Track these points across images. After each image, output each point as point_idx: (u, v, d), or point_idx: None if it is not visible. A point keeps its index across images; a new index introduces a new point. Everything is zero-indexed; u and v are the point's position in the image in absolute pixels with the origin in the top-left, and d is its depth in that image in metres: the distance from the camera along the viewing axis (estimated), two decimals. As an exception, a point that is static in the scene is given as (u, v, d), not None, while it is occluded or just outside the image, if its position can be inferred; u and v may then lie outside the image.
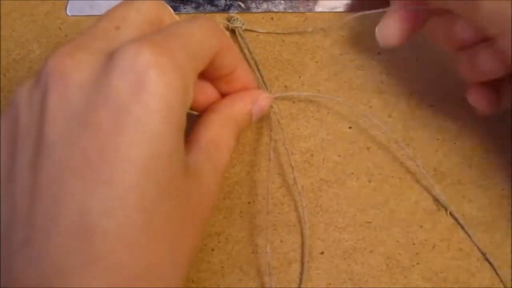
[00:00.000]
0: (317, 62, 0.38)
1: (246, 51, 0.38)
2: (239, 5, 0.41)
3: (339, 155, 0.34)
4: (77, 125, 0.22)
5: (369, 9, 0.35)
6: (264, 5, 0.41)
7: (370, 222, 0.32)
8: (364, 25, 0.40)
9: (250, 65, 0.37)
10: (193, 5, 0.41)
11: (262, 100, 0.32)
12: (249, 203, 0.32)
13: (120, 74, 0.22)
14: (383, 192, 0.33)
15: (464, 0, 0.27)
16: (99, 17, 0.26)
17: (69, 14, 0.41)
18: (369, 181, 0.33)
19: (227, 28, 0.39)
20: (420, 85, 0.37)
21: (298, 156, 0.34)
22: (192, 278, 0.30)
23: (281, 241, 0.31)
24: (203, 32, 0.26)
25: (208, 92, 0.31)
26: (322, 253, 0.31)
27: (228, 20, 0.39)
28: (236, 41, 0.39)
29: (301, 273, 0.30)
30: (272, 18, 0.40)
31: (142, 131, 0.22)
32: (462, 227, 0.31)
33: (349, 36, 0.40)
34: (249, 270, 0.30)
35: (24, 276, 0.21)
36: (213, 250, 0.31)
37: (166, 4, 0.28)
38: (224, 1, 0.41)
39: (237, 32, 0.39)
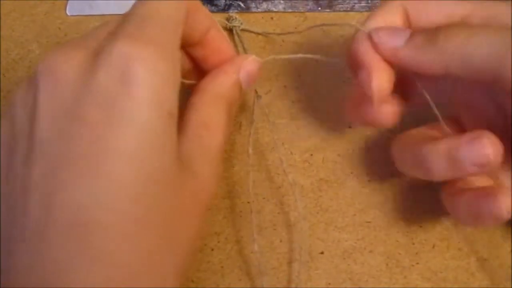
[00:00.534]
0: (316, 61, 0.38)
1: (241, 49, 0.38)
2: (239, 5, 0.41)
3: (339, 155, 0.34)
4: (67, 121, 0.22)
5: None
6: (264, 5, 0.41)
7: (369, 222, 0.32)
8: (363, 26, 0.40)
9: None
10: None
11: (247, 64, 0.31)
12: (248, 202, 0.32)
13: (106, 68, 0.22)
14: (382, 192, 0.33)
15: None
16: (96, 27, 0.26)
17: (68, 14, 0.41)
18: (369, 181, 0.33)
19: (225, 28, 0.39)
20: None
21: (298, 156, 0.34)
22: (192, 278, 0.30)
23: (280, 241, 0.31)
24: (169, 5, 0.25)
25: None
26: (322, 253, 0.31)
27: (227, 19, 0.39)
28: (233, 40, 0.39)
29: (300, 273, 0.30)
30: (271, 18, 0.40)
31: (131, 122, 0.22)
32: (461, 227, 0.31)
33: (348, 36, 0.40)
34: (248, 270, 0.30)
35: (22, 272, 0.21)
36: (212, 250, 0.31)
37: None
38: (224, 1, 0.41)
39: (234, 31, 0.39)
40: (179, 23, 0.26)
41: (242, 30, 0.39)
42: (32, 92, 0.23)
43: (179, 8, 0.26)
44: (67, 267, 0.21)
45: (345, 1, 0.41)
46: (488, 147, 0.25)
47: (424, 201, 0.29)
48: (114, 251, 0.21)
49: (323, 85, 0.37)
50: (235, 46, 0.38)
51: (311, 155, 0.34)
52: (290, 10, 0.41)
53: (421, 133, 0.29)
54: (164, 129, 0.23)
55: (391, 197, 0.33)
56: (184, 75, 0.28)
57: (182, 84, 0.26)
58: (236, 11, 0.40)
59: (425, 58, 0.26)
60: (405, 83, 0.30)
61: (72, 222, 0.21)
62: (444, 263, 0.31)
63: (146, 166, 0.22)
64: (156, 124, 0.22)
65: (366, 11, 0.41)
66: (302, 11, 0.41)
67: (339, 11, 0.41)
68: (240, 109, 0.36)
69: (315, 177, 0.34)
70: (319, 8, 0.41)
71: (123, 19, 0.25)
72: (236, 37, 0.39)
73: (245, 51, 0.37)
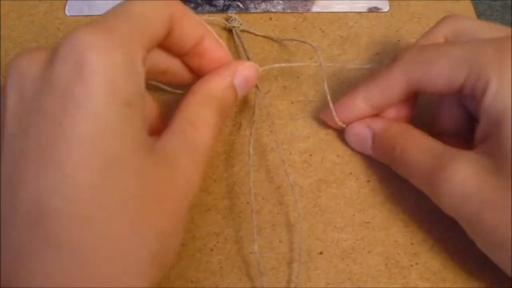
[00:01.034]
0: (315, 62, 0.38)
1: (241, 49, 0.38)
2: (238, 5, 0.41)
3: (338, 155, 0.34)
4: (30, 115, 0.22)
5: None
6: (263, 5, 0.41)
7: (368, 222, 0.32)
8: (362, 26, 0.40)
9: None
10: (192, 5, 0.41)
11: (244, 69, 0.31)
12: (248, 203, 0.32)
13: (62, 60, 0.22)
14: (381, 192, 0.33)
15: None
16: None
17: (67, 14, 0.41)
18: (368, 181, 0.33)
19: (225, 28, 0.39)
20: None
21: (297, 156, 0.34)
22: (191, 278, 0.30)
23: (280, 241, 0.31)
24: (147, 6, 0.25)
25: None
26: (321, 253, 0.31)
27: (226, 20, 0.39)
28: (233, 41, 0.39)
29: (299, 273, 0.30)
30: (270, 18, 0.40)
31: (85, 109, 0.22)
32: (461, 227, 0.31)
33: (347, 36, 0.40)
34: (248, 270, 0.30)
35: None
36: (212, 250, 0.31)
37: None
38: (223, 1, 0.41)
39: (234, 32, 0.39)
40: (154, 23, 0.26)
41: (242, 31, 0.39)
42: (3, 93, 0.24)
43: (157, 9, 0.26)
44: (28, 256, 0.21)
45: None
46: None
47: (423, 202, 0.29)
48: (74, 238, 0.21)
49: (322, 86, 0.37)
50: (235, 46, 0.38)
51: (310, 155, 0.34)
52: (289, 11, 0.41)
53: None
54: (120, 117, 0.23)
55: (390, 197, 0.33)
56: (151, 123, 0.28)
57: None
58: (235, 11, 0.41)
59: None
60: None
61: (33, 213, 0.21)
62: (443, 263, 0.31)
63: (103, 151, 0.22)
64: (111, 111, 0.22)
65: (365, 11, 0.41)
66: (301, 11, 0.41)
67: (338, 11, 0.41)
68: (240, 109, 0.36)
69: (314, 177, 0.34)
70: (318, 9, 0.41)
71: None
72: (236, 37, 0.39)
73: (245, 51, 0.37)
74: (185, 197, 0.26)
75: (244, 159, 0.34)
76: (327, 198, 0.33)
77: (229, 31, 0.39)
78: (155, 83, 0.33)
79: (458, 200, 0.26)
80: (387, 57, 0.38)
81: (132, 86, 0.24)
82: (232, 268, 0.30)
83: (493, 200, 0.25)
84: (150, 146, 0.24)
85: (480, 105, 0.27)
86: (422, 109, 0.34)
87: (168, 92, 0.35)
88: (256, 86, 0.35)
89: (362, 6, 0.41)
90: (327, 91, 0.33)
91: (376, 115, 0.33)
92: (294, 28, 0.40)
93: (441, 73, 0.28)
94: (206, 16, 0.40)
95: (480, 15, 0.43)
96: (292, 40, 0.39)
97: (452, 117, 0.32)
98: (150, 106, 0.29)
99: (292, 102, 0.36)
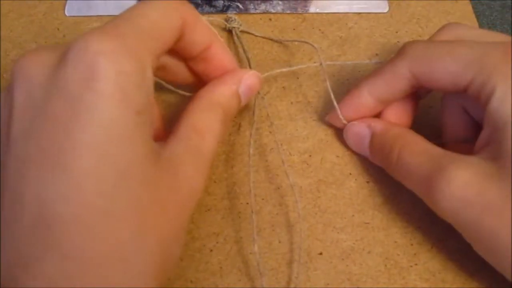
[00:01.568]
0: (315, 63, 0.38)
1: (241, 50, 0.38)
2: (237, 6, 0.41)
3: (338, 156, 0.34)
4: (37, 119, 0.22)
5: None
6: (262, 6, 0.41)
7: (368, 223, 0.32)
8: (362, 26, 0.40)
9: (246, 65, 0.37)
10: (192, 6, 0.41)
11: (248, 78, 0.31)
12: (247, 203, 0.32)
13: (72, 64, 0.22)
14: (381, 192, 0.33)
15: None
16: None
17: (67, 14, 0.41)
18: (368, 182, 0.34)
19: (225, 29, 0.39)
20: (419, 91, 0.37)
21: (296, 157, 0.34)
22: (191, 278, 0.30)
23: (279, 242, 0.31)
24: (159, 11, 0.25)
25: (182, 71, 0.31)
26: (320, 253, 0.31)
27: (226, 20, 0.39)
28: (233, 41, 0.39)
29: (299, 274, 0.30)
30: (270, 19, 0.40)
31: (96, 116, 0.22)
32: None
33: (346, 37, 0.40)
34: (247, 270, 0.30)
35: None
36: (211, 250, 0.31)
37: None
38: (223, 2, 0.41)
39: (234, 33, 0.39)
40: (165, 31, 0.26)
41: (242, 31, 0.39)
42: (9, 95, 0.24)
43: (170, 15, 0.26)
44: (30, 260, 0.21)
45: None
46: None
47: (423, 202, 0.29)
48: (78, 243, 0.21)
49: (322, 86, 0.37)
50: (235, 47, 0.38)
51: (310, 156, 0.34)
52: (288, 11, 0.41)
53: None
54: (130, 125, 0.23)
55: (389, 198, 0.33)
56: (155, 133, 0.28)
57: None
58: (234, 12, 0.41)
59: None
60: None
61: (37, 217, 0.21)
62: (442, 264, 0.31)
63: (112, 159, 0.22)
64: (123, 119, 0.22)
65: (364, 12, 0.41)
66: (300, 12, 0.41)
67: (338, 12, 0.41)
68: (239, 110, 0.36)
69: (313, 178, 0.34)
70: (317, 10, 0.41)
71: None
72: (235, 38, 0.39)
73: (245, 52, 0.37)
74: (188, 204, 0.26)
75: (244, 160, 0.34)
76: (327, 198, 0.33)
77: (229, 31, 0.39)
78: (159, 80, 0.33)
79: (457, 205, 0.26)
80: (386, 57, 0.38)
81: (142, 94, 0.24)
82: (232, 268, 0.30)
83: (495, 205, 0.25)
84: (157, 153, 0.24)
85: (485, 109, 0.27)
86: (424, 119, 0.34)
87: (169, 92, 0.35)
88: (258, 92, 0.35)
89: (361, 7, 0.41)
90: (330, 89, 0.33)
91: (378, 116, 0.33)
92: (294, 29, 0.40)
93: (447, 71, 0.28)
94: (205, 17, 0.40)
95: (480, 15, 0.43)
96: (293, 41, 0.39)
97: (457, 125, 0.32)
98: (155, 110, 0.30)
99: (292, 103, 0.36)
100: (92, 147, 0.22)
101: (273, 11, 0.41)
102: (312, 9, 0.41)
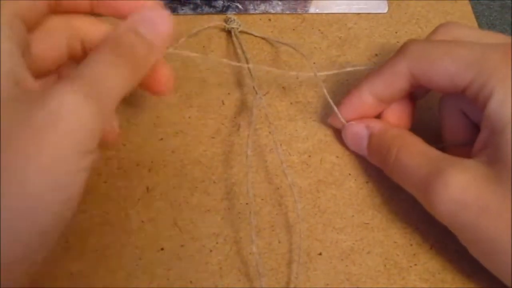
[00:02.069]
0: (314, 63, 0.38)
1: (240, 50, 0.38)
2: (237, 6, 0.41)
3: (337, 156, 0.34)
4: None
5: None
6: (262, 7, 0.41)
7: (367, 223, 0.32)
8: (361, 27, 0.40)
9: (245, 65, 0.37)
10: (191, 6, 0.41)
11: (145, 14, 0.27)
12: (247, 204, 0.32)
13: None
14: (380, 193, 0.33)
15: None
16: None
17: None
18: (367, 182, 0.34)
19: (224, 29, 0.39)
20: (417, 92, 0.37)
21: (296, 157, 0.34)
22: (190, 279, 0.30)
23: (279, 242, 0.31)
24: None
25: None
26: (320, 254, 0.31)
27: (225, 21, 0.39)
28: (232, 41, 0.39)
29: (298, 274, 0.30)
30: (269, 20, 0.40)
31: None
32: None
33: (346, 37, 0.40)
34: (247, 271, 0.30)
35: None
36: (211, 251, 0.31)
37: None
38: (222, 2, 0.41)
39: (233, 33, 0.39)
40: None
41: (240, 32, 0.39)
42: None
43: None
44: None
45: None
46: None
47: (422, 202, 0.30)
48: None
49: (321, 87, 0.37)
50: (234, 47, 0.38)
51: (309, 156, 0.34)
52: (288, 12, 0.41)
53: None
54: None
55: (389, 198, 0.33)
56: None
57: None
58: (234, 12, 0.41)
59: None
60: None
61: None
62: (442, 264, 0.31)
63: None
64: None
65: (363, 13, 0.41)
66: (300, 12, 0.41)
67: (337, 12, 0.41)
68: (238, 110, 0.36)
69: (313, 178, 0.34)
70: (317, 10, 0.41)
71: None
72: (234, 38, 0.39)
73: (244, 52, 0.37)
74: (53, 128, 0.22)
75: (243, 160, 0.34)
76: (326, 199, 0.33)
77: (228, 32, 0.39)
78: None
79: (454, 207, 0.26)
80: (386, 58, 0.38)
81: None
82: (231, 269, 0.30)
83: (492, 208, 0.25)
84: (15, 95, 0.22)
85: (482, 111, 0.27)
86: (425, 122, 0.34)
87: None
88: (254, 88, 0.35)
89: (361, 8, 0.41)
90: (327, 96, 0.33)
91: (377, 117, 0.33)
92: (293, 29, 0.40)
93: (446, 71, 0.28)
94: (205, 17, 0.40)
95: (479, 15, 0.43)
96: (288, 45, 0.38)
97: (455, 128, 0.32)
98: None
99: (291, 103, 0.36)
100: None
101: (272, 11, 0.41)
102: (312, 9, 0.41)
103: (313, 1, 0.41)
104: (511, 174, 0.25)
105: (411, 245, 0.32)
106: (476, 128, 0.31)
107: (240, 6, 0.41)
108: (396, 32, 0.40)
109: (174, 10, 0.40)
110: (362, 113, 0.33)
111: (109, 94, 0.24)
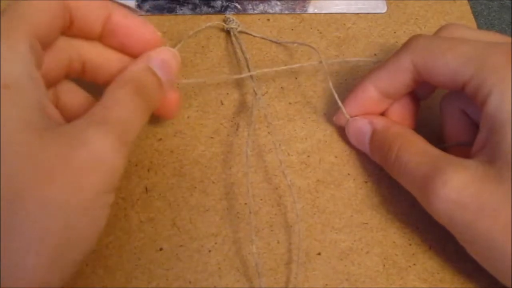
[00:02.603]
0: (315, 61, 0.38)
1: (239, 51, 0.38)
2: (236, 7, 0.41)
3: (336, 156, 0.34)
4: None
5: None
6: (261, 7, 0.41)
7: (366, 223, 0.32)
8: (360, 27, 0.40)
9: (244, 66, 0.37)
10: (190, 6, 0.41)
11: (159, 53, 0.31)
12: (246, 204, 0.32)
13: None
14: (379, 193, 0.33)
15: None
16: None
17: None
18: (366, 182, 0.34)
19: (223, 29, 0.39)
20: (420, 92, 0.37)
21: (295, 157, 0.34)
22: (189, 279, 0.30)
23: (278, 242, 0.31)
24: None
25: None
26: (319, 254, 0.31)
27: (224, 21, 0.39)
28: (231, 42, 0.39)
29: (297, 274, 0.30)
30: (268, 20, 0.40)
31: None
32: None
33: (345, 37, 0.40)
34: (246, 271, 0.30)
35: None
36: (210, 251, 0.31)
37: None
38: (221, 2, 0.41)
39: (232, 33, 0.39)
40: (39, 11, 0.26)
41: (240, 32, 0.39)
42: None
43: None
44: None
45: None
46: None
47: (421, 202, 0.30)
48: None
49: (320, 87, 0.37)
50: (233, 47, 0.38)
51: (308, 156, 0.34)
52: (286, 12, 0.41)
53: None
54: None
55: (388, 198, 0.33)
56: None
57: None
58: (232, 12, 0.41)
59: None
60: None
61: None
62: (441, 264, 0.31)
63: None
64: None
65: (362, 13, 0.41)
66: (298, 12, 0.41)
67: (336, 12, 0.41)
68: (237, 110, 0.36)
69: (312, 178, 0.34)
70: (315, 10, 0.41)
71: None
72: (233, 39, 0.39)
73: (243, 53, 0.37)
74: (93, 170, 0.24)
75: (242, 160, 0.34)
76: (325, 199, 0.33)
77: (227, 32, 0.39)
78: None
79: (452, 206, 0.26)
80: (384, 58, 0.38)
81: (11, 68, 0.24)
82: (230, 269, 0.30)
83: (491, 208, 0.25)
84: (45, 126, 0.24)
85: (482, 109, 0.27)
86: (428, 123, 0.34)
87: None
88: (253, 88, 0.35)
89: (359, 8, 0.41)
90: (331, 86, 0.33)
91: (382, 114, 0.33)
92: (292, 30, 0.40)
93: (447, 66, 0.29)
94: (203, 17, 0.40)
95: (478, 15, 0.43)
96: (293, 42, 0.39)
97: (457, 128, 0.32)
98: (72, 92, 0.30)
99: (290, 103, 0.36)
100: None
101: (271, 11, 0.41)
102: (310, 9, 0.41)
103: (311, 1, 0.41)
104: (510, 173, 0.25)
105: (410, 245, 0.32)
106: (477, 128, 0.31)
107: (238, 6, 0.41)
108: (394, 32, 0.40)
109: (172, 11, 0.40)
110: (366, 108, 0.33)
111: (133, 132, 0.27)
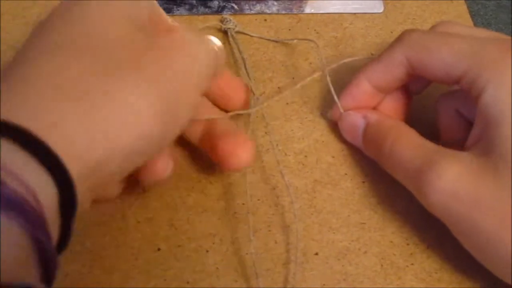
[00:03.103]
0: (310, 63, 0.38)
1: (236, 51, 0.38)
2: (232, 7, 0.41)
3: (333, 156, 0.34)
4: None
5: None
6: (257, 7, 0.41)
7: (364, 223, 0.32)
8: (357, 27, 0.40)
9: (241, 66, 0.37)
10: (187, 6, 0.41)
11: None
12: (243, 204, 0.32)
13: None
14: (377, 193, 0.33)
15: None
16: None
17: (62, 15, 0.40)
18: (363, 182, 0.34)
19: (220, 29, 0.39)
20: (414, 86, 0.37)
21: (292, 157, 0.34)
22: (187, 279, 0.30)
23: (275, 242, 0.31)
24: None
25: None
26: (316, 254, 0.31)
27: (221, 21, 0.39)
28: (228, 42, 0.39)
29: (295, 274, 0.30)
30: (265, 20, 0.40)
31: None
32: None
33: (342, 37, 0.40)
34: (244, 271, 0.30)
35: None
36: (207, 251, 0.31)
37: None
38: (218, 3, 0.41)
39: (229, 33, 0.39)
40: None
41: (237, 32, 0.39)
42: None
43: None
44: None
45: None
46: None
47: (419, 202, 0.29)
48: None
49: (318, 87, 0.37)
50: (230, 48, 0.38)
51: (305, 156, 0.34)
52: (283, 12, 0.41)
53: None
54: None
55: (385, 198, 0.33)
56: None
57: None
58: (229, 13, 0.41)
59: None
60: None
61: None
62: (439, 264, 0.31)
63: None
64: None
65: (359, 13, 0.41)
66: (295, 12, 0.41)
67: (333, 12, 0.41)
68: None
69: (309, 178, 0.34)
70: (312, 10, 0.41)
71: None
72: (231, 39, 0.39)
73: (241, 53, 0.37)
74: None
75: (240, 160, 0.34)
76: (322, 199, 0.33)
77: (224, 32, 0.39)
78: None
79: (447, 199, 0.26)
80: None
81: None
82: (228, 269, 0.30)
83: (485, 200, 0.25)
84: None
85: (476, 103, 0.27)
86: (424, 120, 0.34)
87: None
88: (251, 88, 0.35)
89: (356, 8, 0.41)
90: (330, 85, 0.34)
91: (375, 108, 0.33)
92: (289, 30, 0.40)
93: (442, 60, 0.29)
94: (200, 18, 0.40)
95: (475, 15, 0.43)
96: (293, 39, 0.38)
97: (451, 127, 0.32)
98: None
99: (287, 103, 0.36)
100: None
101: (268, 11, 0.41)
102: (307, 9, 0.41)
103: (308, 1, 0.41)
104: (510, 166, 0.25)
105: (408, 244, 0.32)
106: (471, 127, 0.31)
107: (235, 7, 0.41)
108: (391, 32, 0.40)
109: (169, 11, 0.40)
110: (360, 102, 0.33)
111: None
